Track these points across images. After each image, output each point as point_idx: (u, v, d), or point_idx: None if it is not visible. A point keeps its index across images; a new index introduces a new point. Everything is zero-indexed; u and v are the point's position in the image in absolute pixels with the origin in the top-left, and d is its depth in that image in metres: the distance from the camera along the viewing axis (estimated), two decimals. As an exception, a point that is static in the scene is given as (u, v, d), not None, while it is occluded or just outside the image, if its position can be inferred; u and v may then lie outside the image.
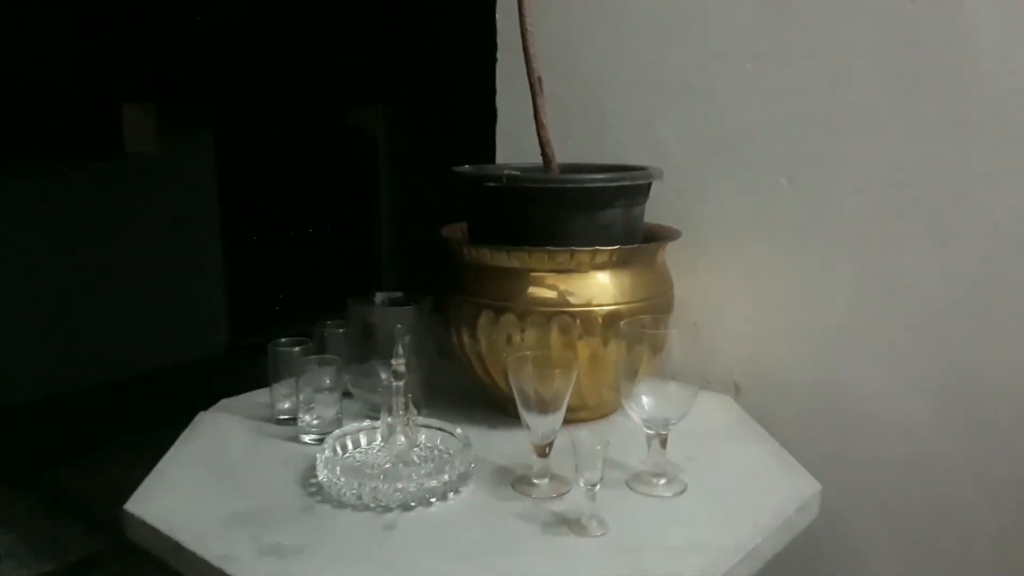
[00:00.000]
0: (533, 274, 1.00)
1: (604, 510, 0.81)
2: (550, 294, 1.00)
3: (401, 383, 0.90)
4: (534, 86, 1.05)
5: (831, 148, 1.11)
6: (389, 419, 0.92)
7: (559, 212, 1.01)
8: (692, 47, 1.21)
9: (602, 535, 0.80)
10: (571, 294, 1.00)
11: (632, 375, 0.89)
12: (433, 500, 0.86)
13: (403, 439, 0.92)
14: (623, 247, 1.01)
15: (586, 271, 1.00)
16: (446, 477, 0.87)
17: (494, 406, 1.09)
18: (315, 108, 3.94)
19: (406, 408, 0.92)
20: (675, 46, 1.22)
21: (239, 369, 1.48)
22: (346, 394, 1.08)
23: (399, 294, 1.13)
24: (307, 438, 1.02)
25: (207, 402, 1.15)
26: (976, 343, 1.04)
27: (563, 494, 0.88)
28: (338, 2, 3.67)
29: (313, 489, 0.89)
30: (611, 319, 0.99)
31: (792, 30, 1.12)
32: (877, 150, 1.07)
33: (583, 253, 0.99)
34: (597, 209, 1.02)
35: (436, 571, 0.75)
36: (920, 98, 1.04)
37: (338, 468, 0.87)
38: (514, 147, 1.40)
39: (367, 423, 0.99)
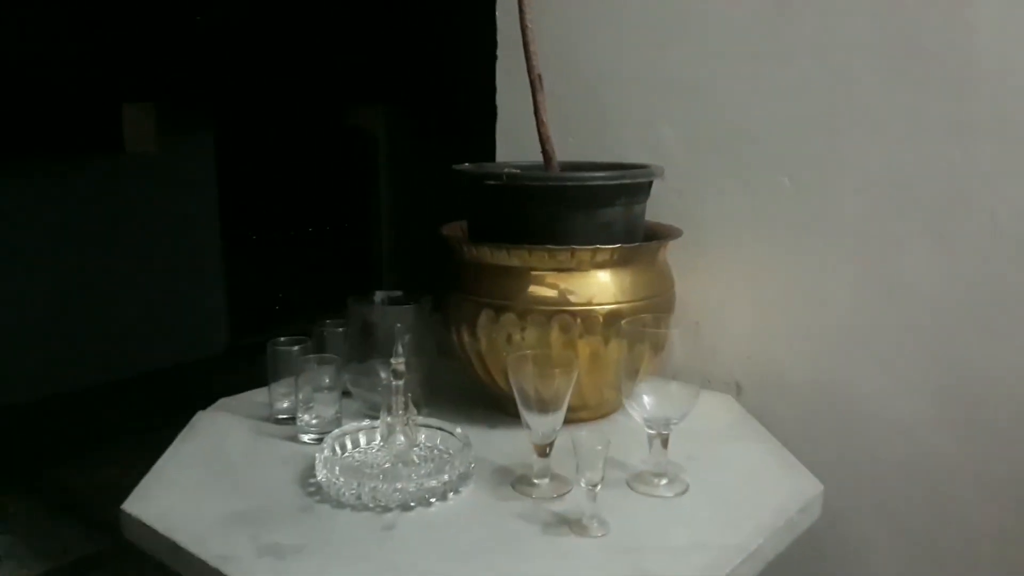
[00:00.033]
0: (533, 273, 1.00)
1: (605, 510, 0.81)
2: (551, 293, 1.00)
3: (401, 382, 0.90)
4: (534, 83, 1.04)
5: (832, 147, 1.11)
6: (388, 418, 0.91)
7: (559, 210, 1.00)
8: (693, 46, 1.21)
9: (603, 535, 0.79)
10: (572, 293, 0.99)
11: (633, 374, 0.88)
12: (433, 500, 0.86)
13: (403, 439, 0.92)
14: (624, 245, 1.01)
15: (587, 270, 1.00)
16: (446, 477, 0.86)
17: (494, 405, 1.08)
18: (315, 108, 3.94)
19: (406, 407, 0.91)
20: (676, 44, 1.22)
21: (239, 369, 1.48)
22: (345, 393, 1.08)
23: (399, 293, 1.13)
24: (306, 437, 1.02)
25: (207, 402, 1.15)
26: (977, 343, 1.04)
27: (564, 494, 0.87)
28: (338, 1, 3.67)
29: (312, 489, 0.88)
30: (612, 318, 0.99)
31: (793, 29, 1.12)
32: (878, 149, 1.07)
33: (584, 251, 0.98)
34: (598, 207, 1.01)
35: (436, 571, 0.74)
36: (921, 97, 1.03)
37: (337, 468, 0.87)
38: (514, 145, 1.40)
39: (366, 422, 0.98)
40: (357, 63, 3.81)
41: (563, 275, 1.00)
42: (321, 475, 0.87)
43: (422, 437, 0.96)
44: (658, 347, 0.90)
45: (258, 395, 1.14)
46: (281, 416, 1.08)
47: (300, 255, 4.08)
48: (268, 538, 0.79)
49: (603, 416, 1.09)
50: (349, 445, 0.96)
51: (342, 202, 4.14)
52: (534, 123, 1.07)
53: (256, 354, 1.12)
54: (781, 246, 1.17)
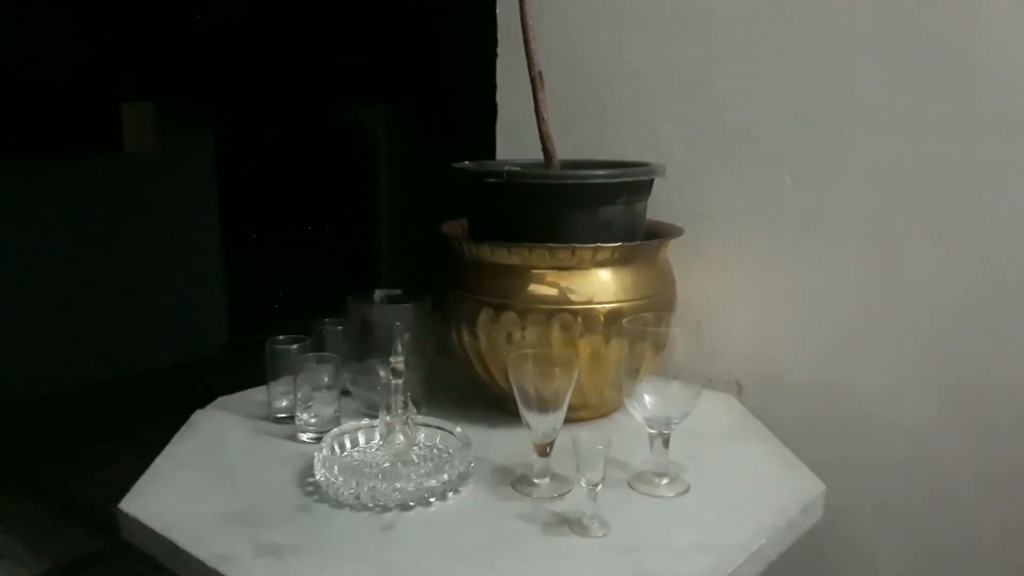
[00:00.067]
0: (534, 271, 0.99)
1: (606, 510, 0.80)
2: (551, 291, 0.99)
3: (400, 381, 0.89)
4: (535, 81, 1.04)
5: (834, 146, 1.10)
6: (388, 418, 0.91)
7: (560, 208, 1.00)
8: (694, 43, 1.20)
9: (604, 536, 0.79)
10: (572, 291, 0.99)
11: (634, 373, 0.88)
12: (432, 500, 0.85)
13: (402, 438, 0.91)
14: (625, 244, 1.00)
15: (587, 268, 0.99)
16: (445, 476, 0.86)
17: (494, 405, 1.08)
18: (315, 107, 3.94)
19: (405, 406, 0.91)
20: (677, 42, 1.22)
21: (239, 368, 1.47)
22: (344, 392, 1.07)
23: (398, 291, 1.13)
24: (305, 437, 1.01)
25: (206, 401, 1.15)
26: (979, 342, 1.04)
27: (564, 494, 0.87)
28: (337, 0, 3.66)
29: (310, 488, 0.88)
30: (613, 317, 0.99)
31: (795, 26, 1.11)
32: (880, 148, 1.07)
33: (584, 250, 0.98)
34: (599, 205, 1.01)
35: (435, 572, 0.74)
36: (924, 95, 1.03)
37: (336, 467, 0.86)
38: (514, 144, 1.39)
39: (365, 422, 0.98)
40: (356, 62, 3.81)
41: (564, 274, 0.99)
42: (320, 474, 0.86)
43: (421, 436, 0.95)
44: (659, 346, 0.89)
45: (257, 394, 1.14)
46: (280, 415, 1.07)
47: (300, 254, 4.08)
48: (266, 538, 0.78)
49: (604, 415, 1.09)
50: (348, 444, 0.95)
51: (342, 201, 4.14)
52: (534, 121, 1.06)
53: (256, 353, 1.12)
54: (782, 245, 1.17)
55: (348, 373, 1.08)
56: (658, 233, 1.10)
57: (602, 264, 1.00)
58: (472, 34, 1.58)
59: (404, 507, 0.84)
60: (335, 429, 0.96)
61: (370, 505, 0.83)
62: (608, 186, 1.01)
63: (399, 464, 0.90)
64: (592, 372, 1.00)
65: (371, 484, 0.83)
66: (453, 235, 1.08)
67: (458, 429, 0.95)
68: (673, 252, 1.10)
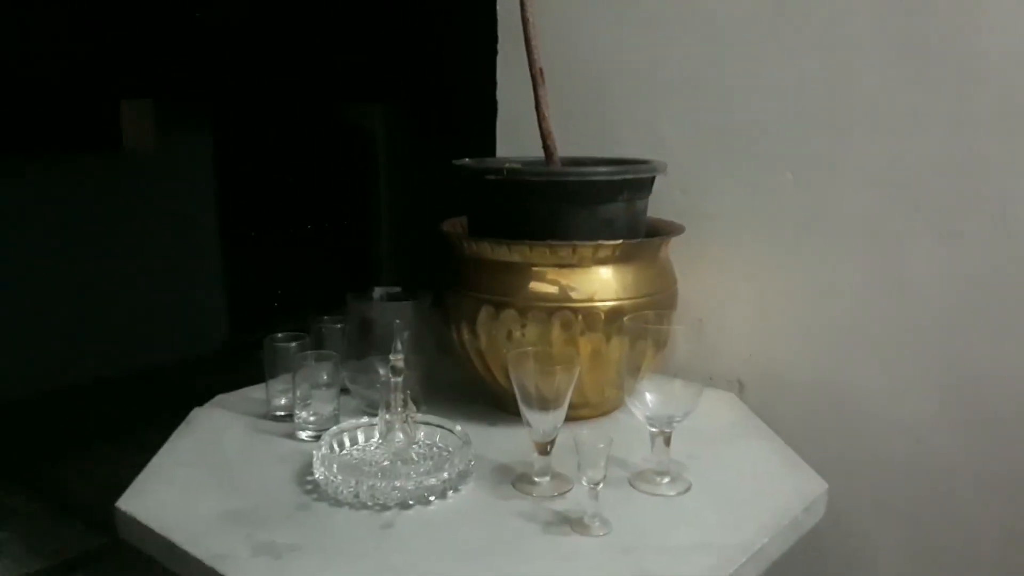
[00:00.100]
0: (534, 269, 0.99)
1: (606, 509, 0.80)
2: (551, 289, 0.98)
3: (400, 379, 0.89)
4: (535, 77, 1.03)
5: (836, 143, 1.10)
6: (387, 416, 0.90)
7: (561, 206, 0.99)
8: (697, 41, 1.20)
9: (605, 535, 0.79)
10: (573, 289, 0.98)
11: (635, 372, 0.87)
12: (432, 498, 0.85)
13: (401, 436, 0.91)
14: (626, 241, 1.00)
15: (588, 266, 0.99)
16: (445, 475, 0.85)
17: (494, 403, 1.07)
18: (314, 105, 3.93)
19: (405, 405, 0.90)
20: (679, 40, 1.21)
21: (238, 367, 1.47)
22: (344, 390, 1.07)
23: (397, 289, 1.12)
24: (304, 435, 1.01)
25: (206, 399, 1.14)
26: (981, 342, 1.03)
27: (565, 493, 0.87)
28: (337, -2, 3.66)
29: (309, 487, 0.87)
30: (613, 315, 0.98)
31: (796, 24, 1.11)
32: (882, 145, 1.06)
33: (585, 247, 0.97)
34: (600, 203, 1.00)
35: (435, 571, 0.73)
36: (927, 91, 1.02)
37: (335, 465, 0.86)
38: (515, 141, 1.39)
39: (365, 420, 0.98)
40: (355, 60, 3.80)
41: (564, 271, 0.99)
42: (319, 473, 0.86)
43: (421, 435, 0.95)
44: (660, 344, 0.89)
45: (255, 392, 1.14)
46: (278, 413, 1.07)
47: (299, 253, 4.07)
48: (264, 537, 0.78)
49: (604, 414, 1.08)
50: (347, 442, 0.95)
51: (341, 200, 4.13)
52: (535, 119, 1.06)
53: (255, 352, 1.11)
54: (784, 243, 1.16)
55: (347, 371, 1.08)
56: (659, 231, 1.10)
57: (603, 262, 0.99)
58: (472, 31, 1.57)
59: (404, 506, 0.83)
60: (334, 427, 0.96)
61: (369, 504, 0.83)
62: (609, 183, 1.00)
63: (398, 462, 0.89)
64: (593, 370, 0.99)
65: (370, 483, 0.83)
66: (453, 233, 1.07)
67: (458, 427, 0.94)
68: (674, 250, 1.10)
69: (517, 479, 0.89)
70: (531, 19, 1.02)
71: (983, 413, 1.04)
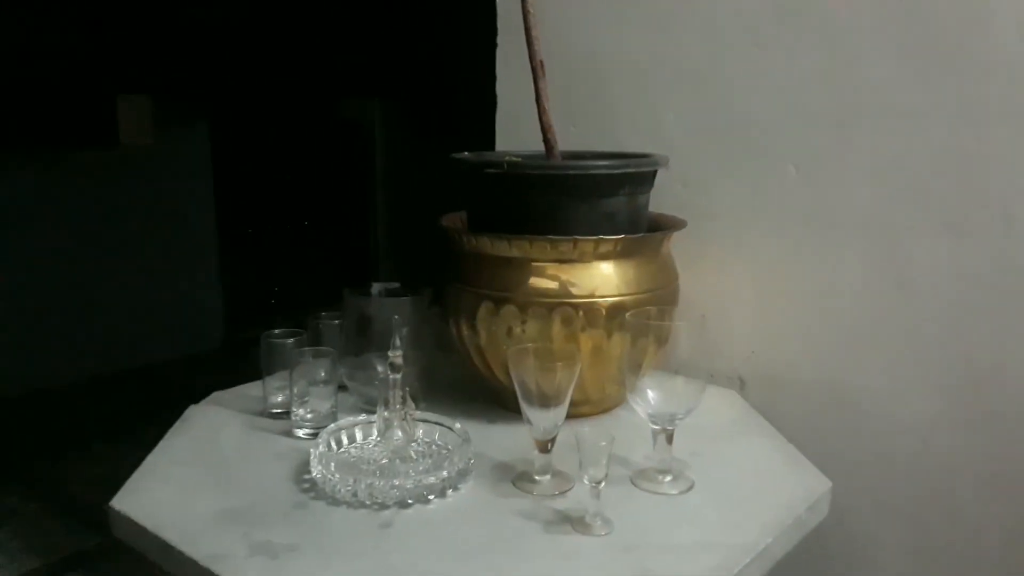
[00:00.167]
0: (534, 264, 0.98)
1: (608, 508, 0.79)
2: (552, 284, 0.97)
3: (398, 376, 0.88)
4: (536, 70, 1.02)
5: (840, 137, 1.09)
6: (386, 413, 0.90)
7: (562, 200, 0.98)
8: (699, 34, 1.19)
9: (606, 534, 0.78)
10: (573, 284, 0.97)
11: (636, 368, 0.87)
12: (431, 497, 0.84)
13: (400, 434, 0.90)
14: (628, 236, 0.99)
15: (589, 261, 0.98)
16: (445, 473, 0.84)
17: (494, 400, 1.06)
18: (311, 101, 3.92)
19: (403, 402, 0.89)
20: (681, 31, 1.20)
21: (235, 364, 1.46)
22: (341, 387, 1.06)
23: (396, 285, 1.11)
24: (301, 432, 1.00)
25: (203, 397, 1.13)
26: (986, 340, 1.02)
27: (566, 491, 0.86)
28: (334, -6, 3.64)
29: (307, 485, 0.87)
30: (615, 311, 0.97)
31: (800, 17, 1.10)
32: (888, 137, 1.05)
33: (586, 242, 0.96)
34: (601, 197, 0.99)
35: (434, 571, 0.73)
36: (934, 83, 1.01)
37: (333, 464, 0.85)
38: (514, 136, 1.38)
39: (363, 417, 0.97)
40: (353, 56, 3.79)
41: (565, 266, 0.98)
42: (316, 471, 0.85)
43: (420, 432, 0.94)
44: (662, 341, 0.88)
45: (252, 389, 1.13)
46: (275, 410, 1.06)
47: (296, 249, 4.06)
48: (261, 536, 0.77)
49: (605, 411, 1.07)
50: (345, 440, 0.94)
51: (339, 196, 4.12)
52: (534, 112, 1.05)
53: (252, 348, 1.10)
54: (787, 238, 1.15)
55: (345, 368, 1.07)
56: (661, 226, 1.08)
57: (604, 257, 0.98)
58: (471, 25, 1.56)
59: (402, 505, 0.82)
60: (332, 425, 0.95)
61: (367, 503, 0.82)
62: (611, 177, 0.99)
63: (397, 461, 0.89)
64: (594, 367, 0.98)
65: (369, 481, 0.82)
66: (452, 228, 1.06)
67: (457, 425, 0.93)
68: (675, 245, 1.09)
69: (517, 477, 0.89)
70: (531, 10, 1.01)
71: (986, 412, 1.03)
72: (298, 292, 3.74)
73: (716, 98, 1.18)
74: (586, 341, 0.98)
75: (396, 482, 0.82)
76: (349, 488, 0.82)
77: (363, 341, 1.06)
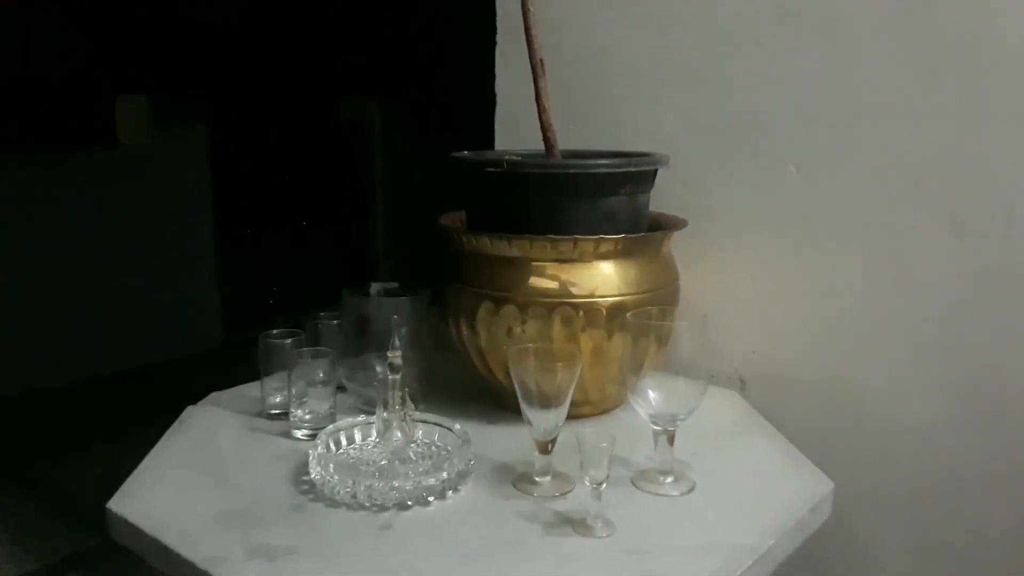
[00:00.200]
0: (534, 263, 0.97)
1: (609, 509, 0.79)
2: (552, 284, 0.97)
3: (397, 377, 0.88)
4: (536, 69, 1.02)
5: (841, 135, 1.08)
6: (385, 414, 0.89)
7: (562, 199, 0.98)
8: (700, 32, 1.18)
9: (608, 536, 0.77)
10: (574, 284, 0.97)
11: (637, 369, 0.86)
12: (431, 499, 0.83)
13: (399, 435, 0.90)
14: (628, 236, 0.98)
15: (589, 260, 0.97)
16: (444, 475, 0.84)
17: (494, 401, 1.06)
18: (310, 101, 3.91)
19: (403, 403, 0.89)
20: (681, 29, 1.20)
21: (233, 364, 1.45)
22: (340, 388, 1.05)
23: (395, 285, 1.11)
24: (299, 434, 0.99)
25: (201, 398, 1.13)
26: (988, 339, 1.02)
27: (566, 493, 0.85)
28: (333, -7, 3.64)
29: (305, 487, 0.86)
30: (615, 311, 0.97)
31: (801, 14, 1.09)
32: (891, 136, 1.05)
33: (586, 242, 0.96)
34: (601, 196, 0.99)
35: (434, 573, 0.72)
36: (935, 82, 1.01)
37: (331, 465, 0.84)
38: (513, 135, 1.37)
39: (362, 418, 0.96)
40: (352, 55, 3.78)
41: (565, 266, 0.97)
42: (315, 473, 0.85)
43: (419, 433, 0.93)
44: (663, 341, 0.88)
45: (250, 389, 1.12)
46: (274, 411, 1.05)
47: (295, 249, 4.05)
48: (259, 539, 0.76)
49: (605, 412, 1.07)
50: (344, 441, 0.93)
51: (337, 195, 4.12)
52: (534, 112, 1.04)
53: (250, 349, 1.10)
54: (788, 237, 1.15)
55: (344, 368, 1.06)
56: (661, 225, 1.08)
57: (605, 256, 0.98)
58: (470, 24, 1.55)
59: (402, 506, 0.82)
60: (330, 426, 0.94)
61: (367, 504, 0.82)
62: (611, 176, 0.99)
63: (396, 462, 0.88)
64: (594, 367, 0.98)
65: (368, 483, 0.82)
66: (452, 227, 1.05)
67: (457, 426, 0.93)
68: (676, 245, 1.08)
69: (518, 479, 0.88)
70: (531, 9, 1.00)
71: (987, 412, 1.03)
72: (297, 292, 3.73)
73: (716, 97, 1.18)
74: (587, 341, 0.97)
75: (395, 484, 0.81)
76: (348, 490, 0.82)
77: (362, 341, 1.06)
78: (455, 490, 0.85)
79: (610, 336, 0.97)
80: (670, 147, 1.17)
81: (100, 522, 0.84)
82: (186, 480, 0.89)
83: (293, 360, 1.00)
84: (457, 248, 1.05)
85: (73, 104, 3.15)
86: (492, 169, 0.99)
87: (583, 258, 0.97)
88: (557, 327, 0.96)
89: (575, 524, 0.78)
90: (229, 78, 3.55)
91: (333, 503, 0.82)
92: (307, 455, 0.87)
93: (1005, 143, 0.97)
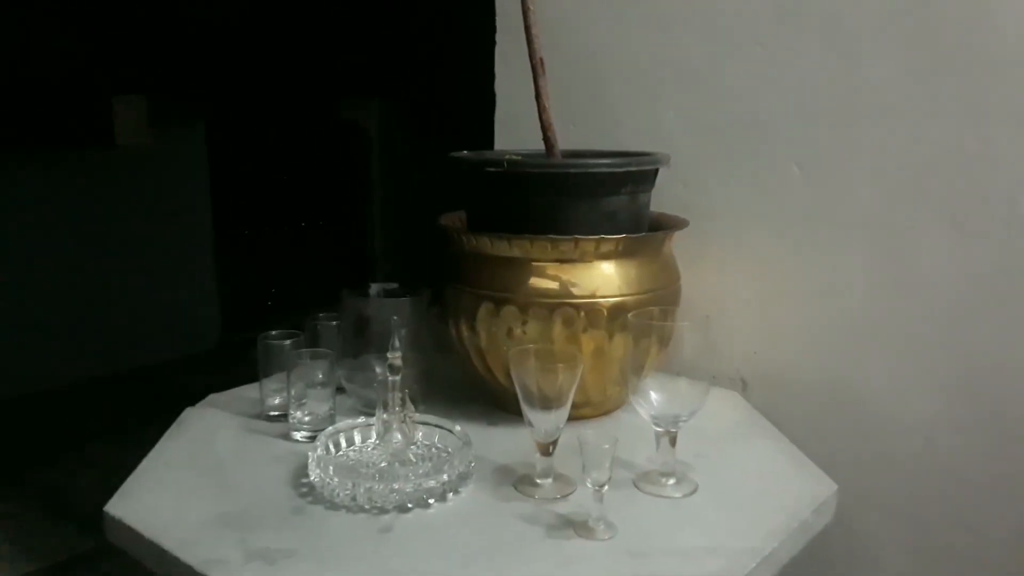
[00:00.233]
0: (535, 264, 0.97)
1: (611, 512, 0.78)
2: (552, 285, 0.96)
3: (397, 378, 0.87)
4: (536, 68, 1.01)
5: (843, 134, 1.08)
6: (385, 416, 0.89)
7: (562, 199, 0.97)
8: (699, 30, 1.17)
9: (610, 538, 0.77)
10: (574, 285, 0.96)
11: (639, 370, 0.86)
12: (431, 501, 0.83)
13: (399, 437, 0.89)
14: (629, 236, 0.97)
15: (590, 261, 0.97)
16: (445, 477, 0.83)
17: (494, 402, 1.05)
18: (308, 101, 3.91)
19: (402, 404, 0.88)
20: (682, 28, 1.19)
21: (232, 365, 1.45)
22: (339, 389, 1.05)
23: (395, 285, 1.10)
24: (298, 435, 0.99)
25: (199, 399, 1.12)
26: (990, 339, 1.01)
27: (568, 495, 0.85)
28: (331, -7, 3.63)
29: (304, 490, 0.85)
30: (616, 311, 0.96)
31: (802, 13, 1.09)
32: (892, 135, 1.04)
33: (587, 242, 0.95)
34: (602, 196, 0.98)
35: (435, 576, 0.71)
36: (938, 79, 1.00)
37: (331, 467, 0.84)
38: (513, 135, 1.36)
39: (361, 420, 0.96)
40: (350, 55, 3.78)
41: (566, 266, 0.97)
42: (314, 475, 0.84)
43: (419, 435, 0.93)
44: (665, 342, 0.87)
45: (249, 391, 1.11)
46: (272, 413, 1.05)
47: (294, 250, 4.04)
48: (258, 542, 0.76)
49: (606, 413, 1.07)
50: (343, 443, 0.93)
51: (336, 196, 4.11)
52: (534, 112, 1.04)
53: (249, 350, 1.09)
54: (789, 237, 1.14)
55: (343, 369, 1.06)
56: (662, 225, 1.08)
57: (606, 257, 0.97)
58: (469, 23, 1.55)
59: (402, 509, 0.81)
60: (330, 428, 0.94)
61: (367, 507, 0.81)
62: (612, 175, 0.98)
63: (396, 464, 0.87)
64: (595, 368, 0.97)
65: (368, 485, 0.81)
66: (452, 227, 1.05)
67: (457, 427, 0.92)
68: (676, 245, 1.08)
69: (519, 481, 0.87)
70: (531, 7, 1.00)
71: (988, 412, 1.02)
72: (295, 293, 3.72)
73: (717, 97, 1.17)
74: (588, 342, 0.96)
75: (396, 486, 0.81)
76: (348, 492, 0.81)
77: (361, 342, 1.05)
78: (456, 492, 0.84)
79: (611, 337, 0.97)
80: (670, 147, 1.17)
81: (99, 523, 0.83)
82: (184, 483, 0.88)
83: (292, 361, 1.00)
84: (457, 248, 1.04)
85: (71, 104, 3.14)
86: (492, 169, 0.99)
87: (584, 258, 0.97)
88: (558, 328, 0.96)
89: (577, 526, 0.78)
90: (228, 78, 3.55)
91: (333, 505, 0.82)
92: (306, 457, 0.86)
93: (1005, 143, 0.97)
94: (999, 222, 0.99)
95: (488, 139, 1.41)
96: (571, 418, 0.85)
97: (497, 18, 1.35)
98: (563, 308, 0.96)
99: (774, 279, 1.16)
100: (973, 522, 1.05)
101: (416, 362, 0.99)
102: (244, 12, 3.51)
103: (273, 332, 1.05)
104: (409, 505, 0.81)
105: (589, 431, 0.77)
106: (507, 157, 1.00)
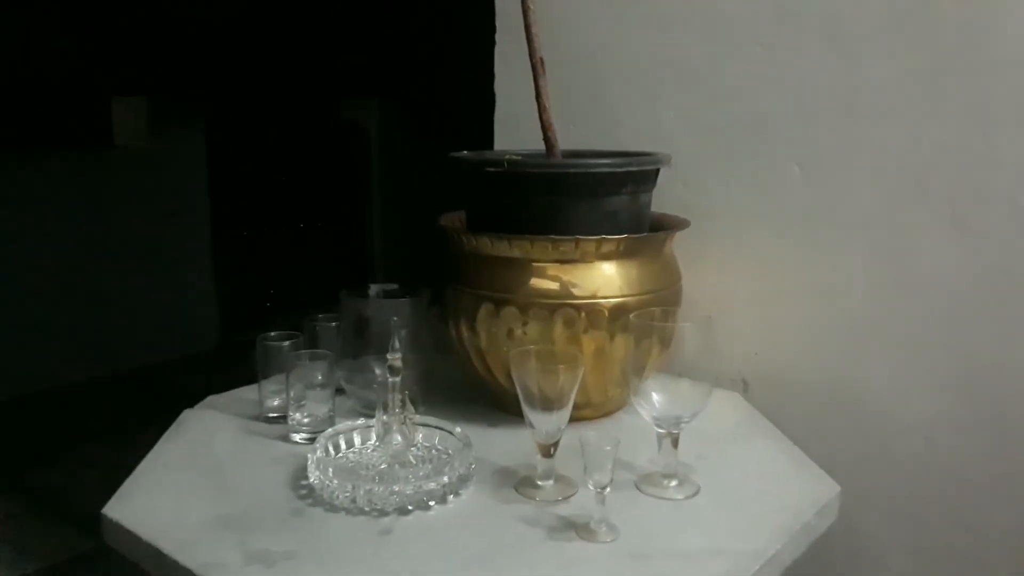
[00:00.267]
0: (535, 264, 0.96)
1: (613, 514, 0.78)
2: (553, 285, 0.96)
3: (397, 379, 0.87)
4: (536, 67, 1.01)
5: (844, 134, 1.08)
6: (384, 417, 0.88)
7: (563, 199, 0.97)
8: (699, 30, 1.17)
9: (612, 541, 0.76)
10: (575, 285, 0.96)
11: (640, 371, 0.85)
12: (431, 503, 0.82)
13: (399, 438, 0.89)
14: (630, 236, 0.97)
15: (591, 261, 0.96)
16: (445, 479, 0.83)
17: (495, 403, 1.05)
18: (307, 102, 3.90)
19: (402, 406, 0.88)
20: (682, 28, 1.19)
21: (231, 366, 1.44)
22: (339, 391, 1.05)
23: (394, 286, 1.10)
24: (298, 437, 0.98)
25: (198, 400, 1.12)
26: (991, 339, 1.01)
27: (569, 497, 0.84)
28: (331, -7, 3.63)
29: (304, 492, 0.85)
30: (617, 312, 0.96)
31: (803, 12, 1.08)
32: (893, 135, 1.04)
33: (588, 242, 0.95)
34: (603, 196, 0.98)
35: (435, 579, 0.71)
36: (939, 79, 1.00)
37: (330, 469, 0.83)
38: (513, 135, 1.36)
39: (361, 421, 0.95)
40: (350, 55, 3.77)
41: (566, 267, 0.96)
42: (313, 477, 0.84)
43: (420, 437, 0.92)
44: (666, 342, 0.87)
45: (247, 392, 1.11)
46: (272, 414, 1.04)
47: (293, 251, 4.04)
48: (257, 544, 0.75)
49: (606, 414, 1.06)
50: (343, 445, 0.92)
51: (335, 196, 4.11)
52: (534, 112, 1.03)
53: (248, 351, 1.09)
54: (790, 237, 1.14)
55: (343, 371, 1.05)
56: (663, 225, 1.07)
57: (606, 257, 0.97)
58: (469, 23, 1.54)
59: (402, 511, 0.81)
60: (329, 429, 0.93)
61: (366, 509, 0.81)
62: (613, 175, 0.98)
63: (396, 466, 0.87)
64: (596, 369, 0.97)
65: (367, 487, 0.81)
66: (451, 227, 1.04)
67: (458, 429, 0.92)
68: (677, 246, 1.07)
69: (520, 483, 0.87)
70: (531, 7, 0.99)
71: (989, 412, 1.02)
72: (295, 294, 3.72)
73: (717, 97, 1.17)
74: (589, 343, 0.96)
75: (396, 488, 0.80)
76: (347, 494, 0.81)
77: (361, 343, 1.05)
78: (456, 494, 0.84)
79: (612, 337, 0.97)
80: (671, 147, 1.16)
81: (98, 525, 0.83)
82: (183, 485, 0.88)
83: (291, 362, 0.99)
84: (457, 249, 1.04)
85: (71, 105, 3.14)
86: (492, 169, 0.98)
87: (585, 259, 0.96)
88: (559, 328, 0.96)
89: (578, 528, 0.77)
90: (227, 79, 3.54)
91: (332, 508, 0.81)
92: (306, 459, 0.86)
93: (1006, 142, 0.97)
94: (999, 222, 0.98)
95: (488, 139, 1.41)
96: (572, 419, 0.85)
97: (497, 18, 1.35)
98: (564, 309, 0.95)
99: (775, 279, 1.16)
100: (973, 522, 1.05)
101: (416, 363, 0.99)
102: (244, 12, 3.50)
103: (272, 333, 1.05)
104: (409, 507, 0.81)
105: (590, 432, 0.76)
106: (507, 157, 1.00)
